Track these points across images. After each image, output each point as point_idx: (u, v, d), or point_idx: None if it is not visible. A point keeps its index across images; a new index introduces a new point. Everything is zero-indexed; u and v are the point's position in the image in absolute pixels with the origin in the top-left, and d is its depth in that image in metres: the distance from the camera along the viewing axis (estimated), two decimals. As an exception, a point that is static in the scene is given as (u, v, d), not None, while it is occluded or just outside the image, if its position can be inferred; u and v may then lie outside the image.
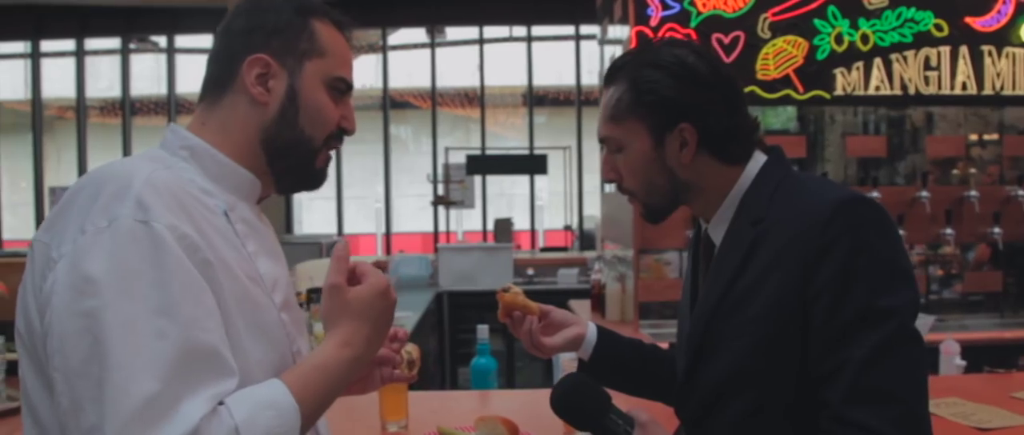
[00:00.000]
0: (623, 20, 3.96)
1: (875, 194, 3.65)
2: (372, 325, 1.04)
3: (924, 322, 2.36)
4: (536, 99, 9.87)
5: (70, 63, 9.48)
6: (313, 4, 1.12)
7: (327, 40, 1.11)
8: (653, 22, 3.70)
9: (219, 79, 1.10)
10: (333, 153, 1.17)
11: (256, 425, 0.89)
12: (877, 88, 3.76)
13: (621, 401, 1.23)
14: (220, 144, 1.08)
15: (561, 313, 1.45)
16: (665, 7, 3.70)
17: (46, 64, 9.63)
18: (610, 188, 4.12)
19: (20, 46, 9.69)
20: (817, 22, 3.72)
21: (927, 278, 3.92)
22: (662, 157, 1.22)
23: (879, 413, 1.03)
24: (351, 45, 1.17)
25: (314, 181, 1.15)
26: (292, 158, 1.11)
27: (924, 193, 3.70)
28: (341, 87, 1.13)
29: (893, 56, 3.76)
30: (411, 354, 1.35)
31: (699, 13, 3.70)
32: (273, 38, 1.08)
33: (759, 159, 1.25)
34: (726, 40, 3.71)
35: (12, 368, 2.01)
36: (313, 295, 4.00)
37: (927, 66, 3.78)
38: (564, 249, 8.51)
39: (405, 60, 10.30)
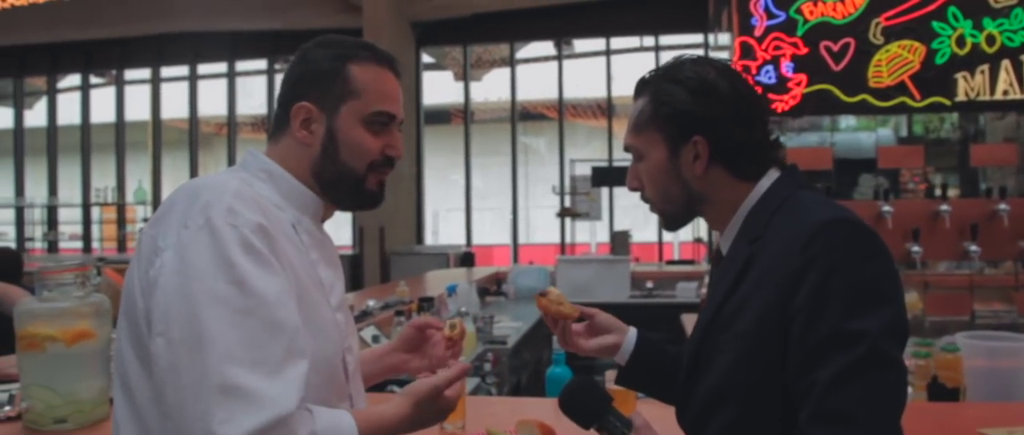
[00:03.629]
0: (729, 29, 3.91)
1: (1003, 206, 3.43)
2: (424, 424, 1.23)
3: (1021, 346, 2.21)
4: (665, 109, 9.76)
5: (223, 84, 10.28)
6: (348, 50, 1.26)
7: (363, 81, 1.24)
8: (757, 32, 3.64)
9: (278, 121, 1.28)
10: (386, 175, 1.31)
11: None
12: (1005, 92, 3.53)
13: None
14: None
15: (605, 318, 1.51)
16: (770, 16, 3.63)
17: (202, 86, 10.50)
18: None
19: (182, 70, 10.61)
20: (936, 24, 3.54)
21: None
22: (677, 167, 1.25)
23: None
24: (396, 77, 1.30)
25: (369, 202, 1.30)
26: (341, 186, 1.26)
27: (1057, 205, 3.44)
28: (382, 120, 1.26)
29: (1024, 58, 3.53)
30: (455, 326, 1.46)
31: (806, 21, 3.61)
32: (313, 87, 1.24)
33: (771, 176, 1.25)
34: (835, 48, 3.60)
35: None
36: (423, 304, 4.19)
37: (1064, 67, 3.51)
38: (692, 262, 8.39)
39: (537, 73, 10.46)
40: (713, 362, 1.20)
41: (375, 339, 3.13)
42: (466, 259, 9.17)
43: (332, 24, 9.65)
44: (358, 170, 1.25)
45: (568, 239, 9.54)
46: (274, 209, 1.18)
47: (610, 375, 1.88)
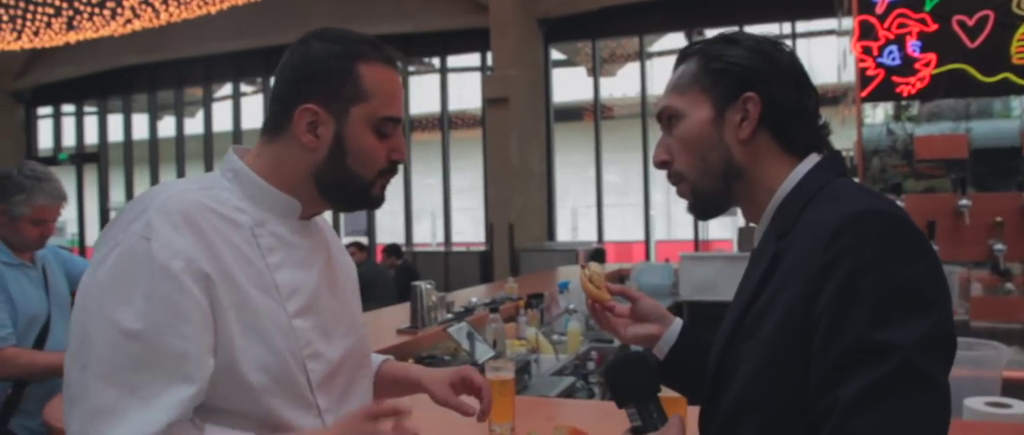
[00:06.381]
0: (850, 11, 3.63)
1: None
2: None
3: None
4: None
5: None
6: (357, 48, 1.17)
7: (372, 83, 1.16)
8: (879, 9, 3.35)
9: (275, 122, 1.19)
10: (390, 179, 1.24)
11: None
12: None
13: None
14: (269, 175, 1.19)
15: (648, 304, 1.38)
16: (893, -9, 3.33)
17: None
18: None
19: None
20: (1093, -9, 3.14)
21: None
22: (720, 130, 1.11)
23: None
24: (400, 76, 1.23)
25: (372, 205, 1.23)
26: (345, 192, 1.20)
27: None
28: (388, 127, 1.18)
29: None
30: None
31: (936, -6, 3.29)
32: (321, 87, 1.15)
33: (811, 161, 1.11)
34: (970, 22, 3.25)
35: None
36: (532, 300, 4.14)
37: None
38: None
39: (671, 66, 10.21)
40: (736, 372, 1.07)
41: (469, 337, 3.10)
42: (596, 255, 9.07)
43: (460, 25, 9.82)
44: (366, 178, 1.19)
45: (708, 235, 9.24)
46: (232, 212, 1.14)
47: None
